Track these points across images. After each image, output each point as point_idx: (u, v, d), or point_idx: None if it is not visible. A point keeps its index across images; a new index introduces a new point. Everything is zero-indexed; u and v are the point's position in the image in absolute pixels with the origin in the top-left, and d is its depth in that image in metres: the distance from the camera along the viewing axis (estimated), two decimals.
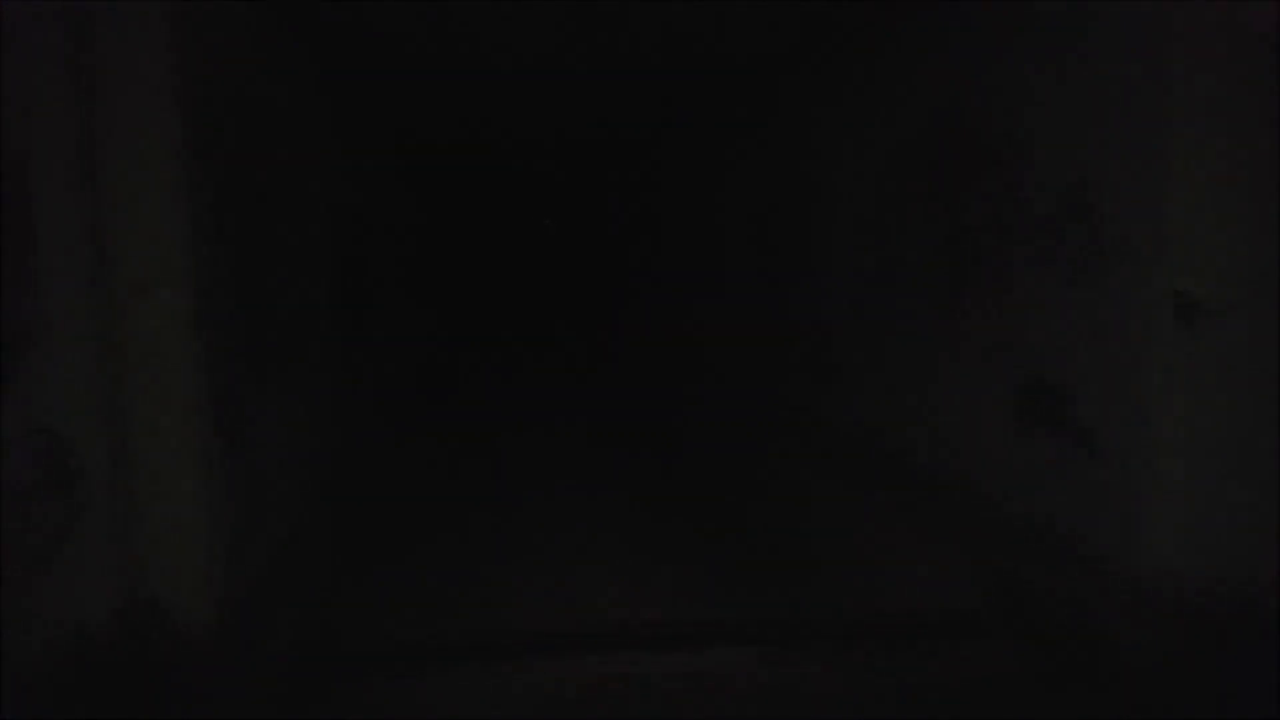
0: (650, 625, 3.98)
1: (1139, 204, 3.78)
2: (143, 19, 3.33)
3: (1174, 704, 3.35)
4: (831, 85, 6.52)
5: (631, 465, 6.85)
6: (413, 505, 6.33)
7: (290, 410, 5.04)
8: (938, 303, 5.17)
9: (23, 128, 3.28)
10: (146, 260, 3.44)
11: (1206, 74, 3.59)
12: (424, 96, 7.03)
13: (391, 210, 9.78)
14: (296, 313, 5.22)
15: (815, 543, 5.67)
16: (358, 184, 7.54)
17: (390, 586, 4.64)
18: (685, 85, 7.08)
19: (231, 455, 3.96)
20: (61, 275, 3.37)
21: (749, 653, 3.61)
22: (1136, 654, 3.61)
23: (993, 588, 4.22)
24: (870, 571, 4.77)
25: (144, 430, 3.54)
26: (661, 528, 5.49)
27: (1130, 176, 3.81)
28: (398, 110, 7.67)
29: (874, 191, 5.94)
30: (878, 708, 3.29)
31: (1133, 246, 3.81)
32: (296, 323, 5.22)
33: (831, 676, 3.53)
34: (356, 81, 6.54)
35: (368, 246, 7.90)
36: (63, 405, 3.42)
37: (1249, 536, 3.72)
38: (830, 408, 6.69)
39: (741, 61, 6.51)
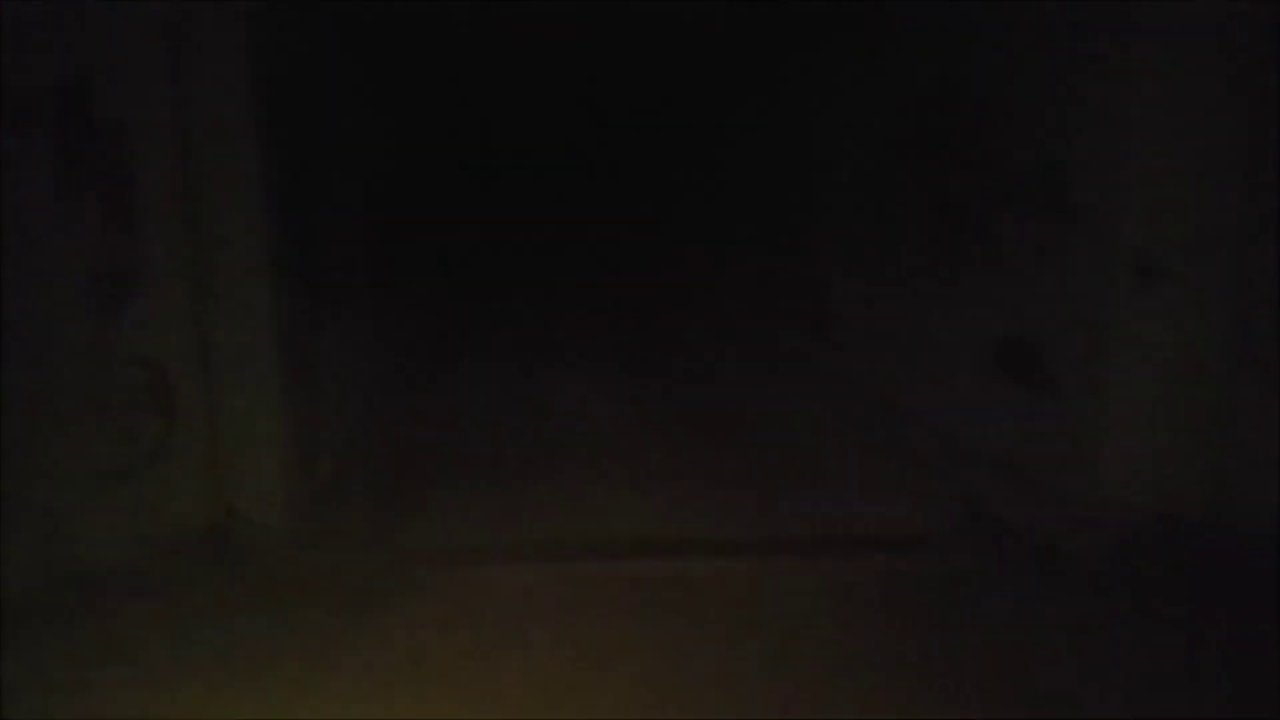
0: (647, 537, 4.56)
1: (1102, 172, 4.19)
2: (225, 14, 3.85)
3: (1105, 600, 3.89)
4: (839, 49, 6.82)
5: (649, 402, 7.43)
6: (451, 421, 6.93)
7: (345, 343, 5.63)
8: (927, 260, 5.60)
9: (121, 98, 3.81)
10: (228, 217, 3.99)
11: (1165, 56, 3.96)
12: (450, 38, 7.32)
13: (421, 149, 10.21)
14: (346, 259, 5.78)
15: (805, 470, 6.21)
16: (391, 135, 8.04)
17: (434, 492, 5.23)
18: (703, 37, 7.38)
19: (298, 383, 4.54)
20: (159, 228, 3.93)
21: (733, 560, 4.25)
22: (1079, 563, 4.14)
23: (963, 512, 4.76)
24: (855, 496, 5.31)
25: (226, 361, 4.12)
26: (669, 448, 6.06)
27: (1094, 147, 4.22)
28: (424, 64, 8.00)
29: (872, 151, 6.32)
30: (843, 601, 3.85)
31: (1096, 211, 4.23)
32: (346, 267, 5.79)
33: (804, 579, 4.09)
34: (387, 49, 6.90)
35: (401, 192, 8.44)
36: (160, 337, 4.01)
37: (1187, 472, 4.22)
38: (825, 356, 7.22)
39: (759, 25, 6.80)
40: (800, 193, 7.66)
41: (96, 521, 4.00)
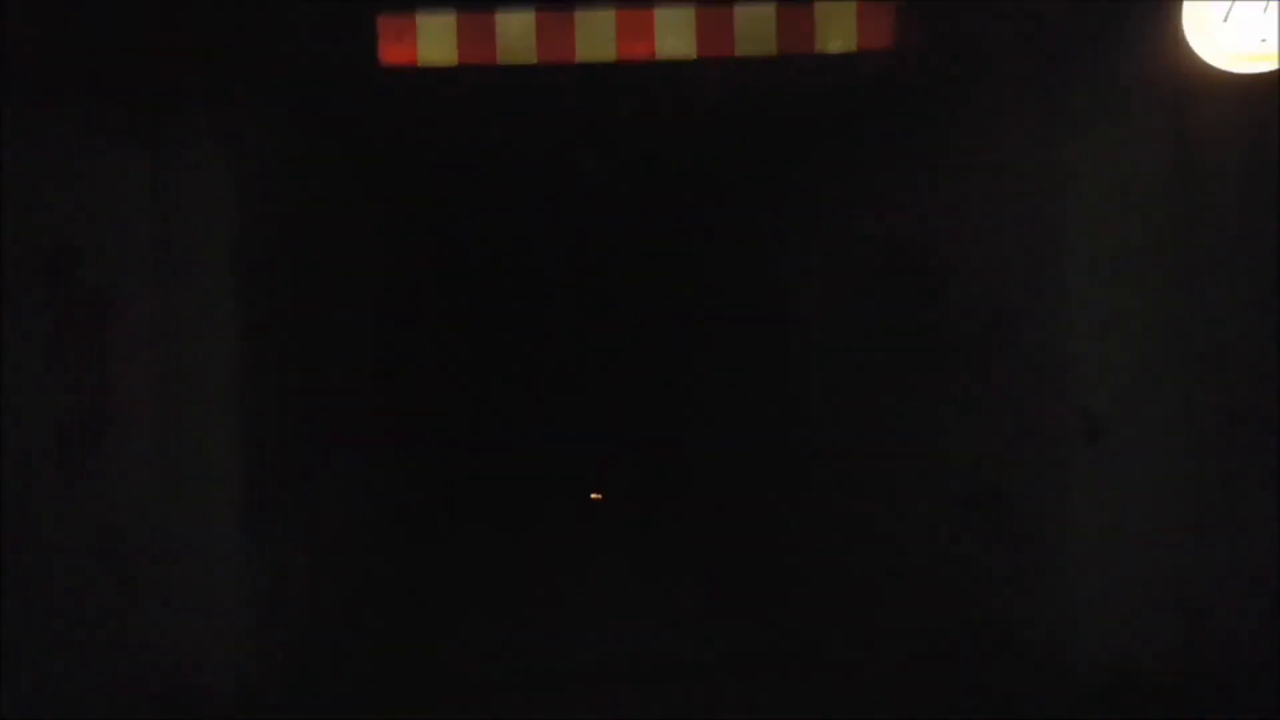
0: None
1: (1046, 326, 4.38)
2: (214, 184, 4.12)
3: None
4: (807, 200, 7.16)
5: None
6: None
7: (314, 521, 5.66)
8: (898, 407, 5.71)
9: (105, 275, 4.02)
10: (201, 386, 4.12)
11: (1098, 208, 4.23)
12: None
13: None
14: (342, 410, 5.89)
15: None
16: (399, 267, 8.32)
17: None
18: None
19: (266, 555, 4.54)
20: (131, 393, 4.05)
21: None
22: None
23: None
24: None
25: (189, 526, 4.15)
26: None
27: (1038, 301, 4.43)
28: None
29: (845, 298, 6.55)
30: None
31: (1043, 365, 4.40)
32: (342, 420, 5.88)
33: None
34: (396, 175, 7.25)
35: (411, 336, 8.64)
36: (120, 497, 4.05)
37: (1152, 628, 4.20)
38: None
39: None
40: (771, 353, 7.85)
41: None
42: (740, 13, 4.28)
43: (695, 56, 4.41)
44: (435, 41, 4.38)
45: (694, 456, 10.46)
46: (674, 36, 4.37)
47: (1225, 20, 3.50)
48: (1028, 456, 4.51)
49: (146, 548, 4.10)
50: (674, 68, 4.50)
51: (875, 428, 5.91)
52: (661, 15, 4.32)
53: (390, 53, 4.35)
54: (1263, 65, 3.58)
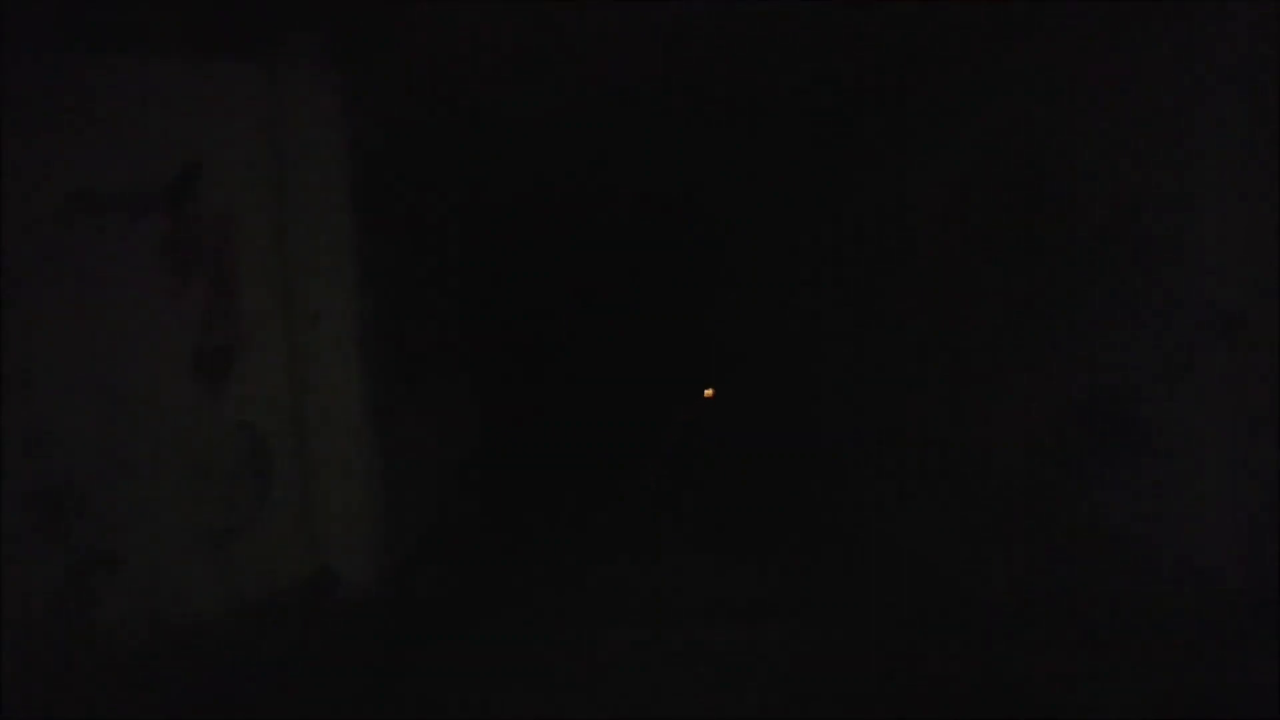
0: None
1: (1179, 220, 4.10)
2: (323, 109, 4.22)
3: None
4: (927, 114, 6.82)
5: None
6: (529, 496, 7.15)
7: (430, 417, 5.89)
8: (1010, 317, 5.49)
9: (226, 188, 4.19)
10: (320, 297, 4.31)
11: (1240, 100, 3.89)
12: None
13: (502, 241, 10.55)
14: (432, 337, 6.08)
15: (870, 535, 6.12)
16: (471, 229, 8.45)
17: (510, 561, 5.41)
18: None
19: (387, 452, 4.79)
20: (259, 304, 4.27)
21: None
22: (1167, 634, 3.98)
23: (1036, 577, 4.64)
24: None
25: (320, 429, 4.40)
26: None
27: (1171, 195, 4.14)
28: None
29: (969, 194, 6.26)
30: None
31: (1176, 261, 4.14)
32: (435, 351, 6.09)
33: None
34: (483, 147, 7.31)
35: (488, 278, 8.80)
36: (259, 406, 4.32)
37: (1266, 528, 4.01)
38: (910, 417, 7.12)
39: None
40: (879, 257, 7.61)
41: (198, 580, 4.29)
42: None
43: None
44: None
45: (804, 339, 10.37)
46: None
47: None
48: (1159, 355, 4.30)
49: (283, 445, 4.38)
50: None
51: (1004, 326, 5.70)
52: None
53: None
54: None
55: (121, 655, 3.98)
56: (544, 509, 7.33)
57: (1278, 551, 3.97)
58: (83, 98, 4.01)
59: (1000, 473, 5.57)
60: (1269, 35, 3.84)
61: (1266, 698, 3.53)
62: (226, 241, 4.23)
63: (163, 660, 4.03)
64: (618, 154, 7.59)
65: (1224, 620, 3.99)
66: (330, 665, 4.29)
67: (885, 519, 5.99)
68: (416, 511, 5.37)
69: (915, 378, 6.91)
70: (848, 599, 4.73)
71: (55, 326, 4.00)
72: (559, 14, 4.41)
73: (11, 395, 3.94)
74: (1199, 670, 3.77)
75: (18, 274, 3.94)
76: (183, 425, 4.20)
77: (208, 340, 4.26)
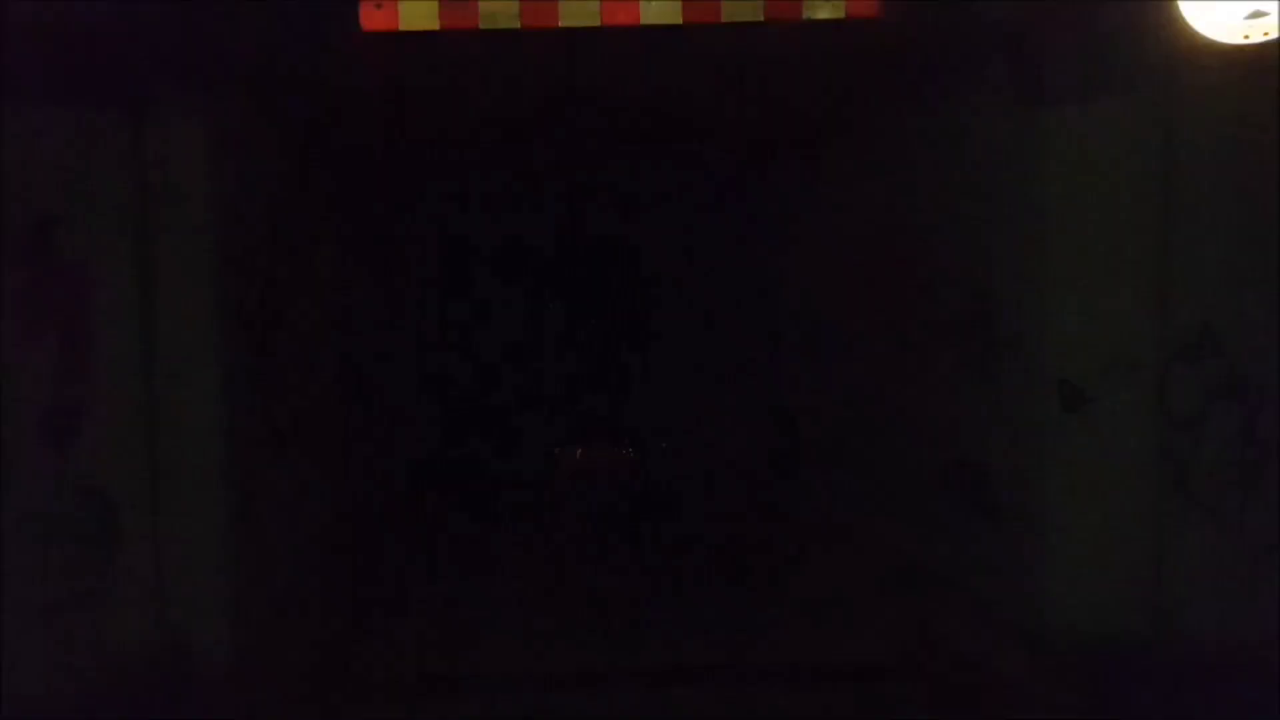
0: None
1: (1025, 302, 4.34)
2: (191, 155, 4.12)
3: None
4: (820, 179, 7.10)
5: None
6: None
7: (305, 470, 5.72)
8: (882, 386, 5.70)
9: (85, 238, 4.04)
10: (181, 352, 4.15)
11: (1077, 188, 4.16)
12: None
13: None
14: (312, 384, 5.93)
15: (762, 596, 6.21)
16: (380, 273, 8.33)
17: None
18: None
19: (250, 518, 4.61)
20: (115, 360, 4.09)
21: None
22: (1022, 692, 4.11)
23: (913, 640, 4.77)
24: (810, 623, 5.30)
25: (175, 492, 4.21)
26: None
27: (1018, 278, 4.38)
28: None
29: (827, 277, 6.50)
30: None
31: (1022, 340, 4.37)
32: (312, 395, 5.93)
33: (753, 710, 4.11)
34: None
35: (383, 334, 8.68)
36: (108, 467, 4.12)
37: (1127, 595, 4.20)
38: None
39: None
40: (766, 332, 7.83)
41: (41, 652, 4.03)
42: None
43: (681, 22, 4.36)
44: (417, 7, 4.35)
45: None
46: (659, 3, 4.32)
47: None
48: (1008, 431, 4.49)
49: (132, 515, 4.18)
50: (659, 33, 4.43)
51: (864, 413, 5.91)
52: None
53: (371, 19, 4.32)
54: (1259, 36, 3.49)
55: None
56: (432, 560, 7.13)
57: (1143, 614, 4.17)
58: None
59: (867, 542, 5.73)
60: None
61: None
62: (82, 292, 4.07)
63: None
64: (507, 185, 7.65)
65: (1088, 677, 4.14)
66: None
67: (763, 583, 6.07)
68: (281, 576, 5.17)
69: (798, 443, 7.08)
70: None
71: None
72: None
73: None
74: None
75: None
76: (26, 487, 3.98)
77: (57, 398, 4.07)
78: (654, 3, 4.33)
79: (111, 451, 4.10)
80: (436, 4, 4.34)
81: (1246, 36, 3.50)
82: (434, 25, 4.36)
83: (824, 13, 4.34)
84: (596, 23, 4.38)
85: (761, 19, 4.34)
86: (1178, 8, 3.55)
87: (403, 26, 4.36)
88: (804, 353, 6.89)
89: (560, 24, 4.40)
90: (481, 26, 4.37)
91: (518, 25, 4.38)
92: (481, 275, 12.30)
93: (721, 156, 6.49)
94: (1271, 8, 3.44)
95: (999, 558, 4.56)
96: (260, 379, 4.81)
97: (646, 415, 11.70)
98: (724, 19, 4.34)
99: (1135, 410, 4.16)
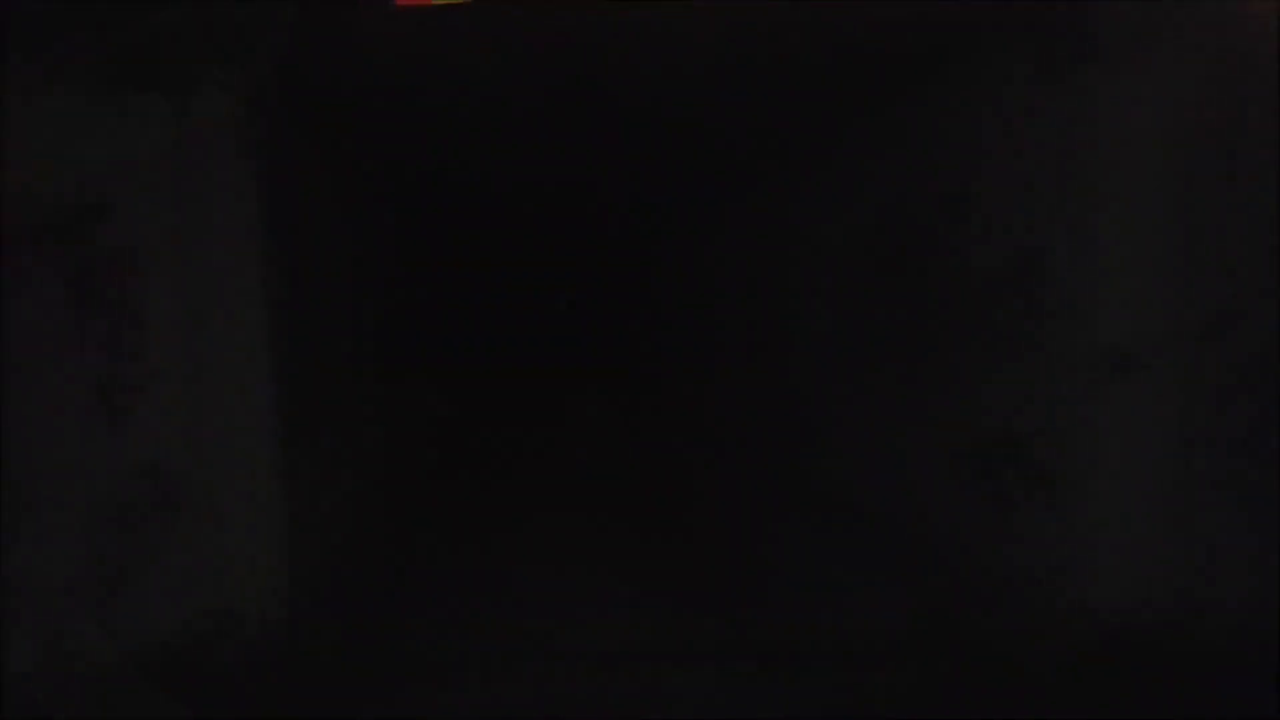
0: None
1: (1074, 266, 4.27)
2: (234, 142, 4.15)
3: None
4: (823, 164, 7.00)
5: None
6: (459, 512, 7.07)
7: (343, 454, 5.80)
8: (912, 363, 5.63)
9: (131, 223, 4.09)
10: (228, 333, 4.22)
11: (1130, 148, 4.09)
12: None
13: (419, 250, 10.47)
14: (344, 375, 6.00)
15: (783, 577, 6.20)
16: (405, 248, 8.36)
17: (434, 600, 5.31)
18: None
19: (296, 492, 4.69)
20: (164, 338, 4.17)
21: None
22: (1050, 672, 4.10)
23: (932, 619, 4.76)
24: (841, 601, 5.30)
25: (226, 467, 4.29)
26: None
27: (1066, 241, 4.31)
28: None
29: (851, 264, 6.41)
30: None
31: (1070, 305, 4.30)
32: (352, 373, 6.00)
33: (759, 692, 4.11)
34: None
35: (405, 293, 8.73)
36: (163, 443, 4.20)
37: (1163, 573, 4.16)
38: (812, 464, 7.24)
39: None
40: (779, 307, 7.77)
41: (100, 621, 4.14)
42: None
43: None
44: None
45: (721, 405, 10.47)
46: None
47: None
48: (1055, 399, 4.44)
49: (188, 481, 4.26)
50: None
51: (908, 377, 5.85)
52: None
53: None
54: None
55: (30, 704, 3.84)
56: (474, 527, 7.21)
57: (1173, 593, 4.12)
58: None
59: (901, 519, 5.70)
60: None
61: None
62: (131, 275, 4.13)
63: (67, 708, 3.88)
64: (542, 168, 7.62)
65: (1115, 661, 4.11)
66: (230, 715, 4.16)
67: (789, 563, 6.05)
68: (328, 547, 5.26)
69: (818, 424, 7.04)
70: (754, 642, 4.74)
71: None
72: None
73: None
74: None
75: None
76: (87, 463, 4.07)
77: (112, 376, 4.15)
78: None
79: (166, 430, 4.18)
80: None
81: None
82: None
83: None
84: None
85: None
86: None
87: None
88: (837, 327, 6.83)
89: None
90: None
91: None
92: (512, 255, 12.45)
93: (739, 131, 6.37)
94: None
95: (1041, 532, 4.54)
96: (304, 356, 4.87)
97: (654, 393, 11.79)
98: None
99: (1176, 381, 4.12)
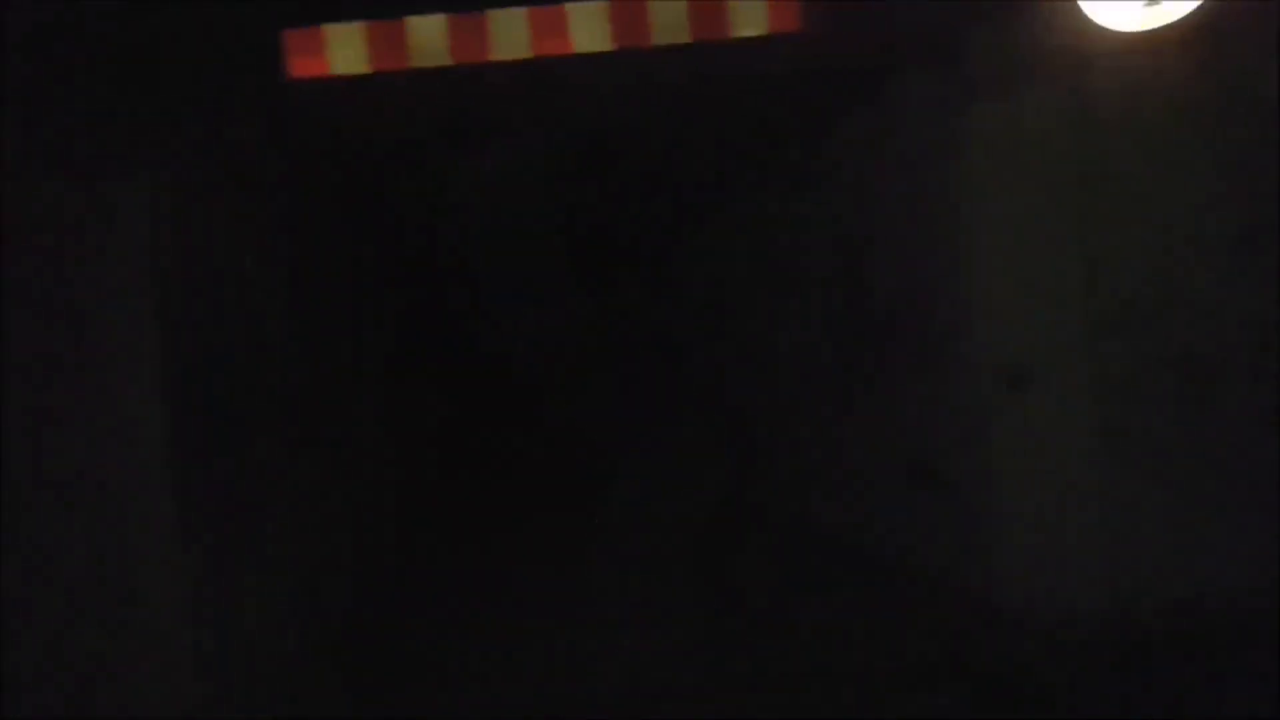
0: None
1: (959, 295, 4.57)
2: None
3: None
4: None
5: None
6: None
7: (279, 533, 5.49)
8: (839, 388, 5.85)
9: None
10: (125, 411, 3.97)
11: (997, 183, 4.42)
12: None
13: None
14: (281, 442, 5.72)
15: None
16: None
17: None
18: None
19: (208, 584, 4.41)
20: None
21: None
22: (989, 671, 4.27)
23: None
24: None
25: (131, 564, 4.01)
26: None
27: (950, 274, 4.61)
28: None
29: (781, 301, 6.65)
30: None
31: (961, 331, 4.58)
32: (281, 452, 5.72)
33: None
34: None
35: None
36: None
37: (1082, 569, 4.41)
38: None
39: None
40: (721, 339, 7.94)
41: None
42: (654, 3, 4.32)
43: (612, 48, 4.44)
44: (345, 50, 4.31)
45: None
46: (589, 30, 4.39)
47: None
48: (953, 416, 4.69)
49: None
50: (591, 60, 4.49)
51: (836, 398, 6.05)
52: (575, 10, 4.33)
53: (300, 66, 4.26)
54: (1154, 22, 3.78)
55: None
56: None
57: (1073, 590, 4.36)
58: None
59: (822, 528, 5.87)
60: None
61: None
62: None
63: None
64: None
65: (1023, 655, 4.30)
66: None
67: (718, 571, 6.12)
68: (253, 639, 4.95)
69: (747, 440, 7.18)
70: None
71: None
72: None
73: None
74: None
75: None
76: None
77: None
78: (584, 33, 4.41)
79: None
80: (365, 44, 4.31)
81: (1144, 23, 3.83)
82: (364, 68, 4.34)
83: (749, 30, 4.49)
84: (527, 54, 4.43)
85: (689, 40, 4.47)
86: (1079, 6, 3.86)
87: (333, 71, 4.33)
88: (756, 357, 7.03)
89: (491, 57, 4.43)
90: (413, 64, 4.36)
91: (449, 61, 4.39)
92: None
93: (656, 179, 6.58)
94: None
95: (956, 541, 4.75)
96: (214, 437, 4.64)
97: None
98: (654, 43, 4.45)
99: (1075, 386, 4.42)
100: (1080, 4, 3.83)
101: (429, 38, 4.33)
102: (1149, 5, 3.78)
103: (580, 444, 12.76)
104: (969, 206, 4.51)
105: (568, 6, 4.34)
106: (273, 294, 5.69)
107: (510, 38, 4.39)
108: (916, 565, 5.10)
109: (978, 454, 4.59)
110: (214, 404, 4.58)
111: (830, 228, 5.68)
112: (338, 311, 7.00)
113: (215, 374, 4.56)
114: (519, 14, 4.34)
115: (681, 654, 4.83)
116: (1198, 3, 3.61)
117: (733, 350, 7.42)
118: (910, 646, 4.64)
